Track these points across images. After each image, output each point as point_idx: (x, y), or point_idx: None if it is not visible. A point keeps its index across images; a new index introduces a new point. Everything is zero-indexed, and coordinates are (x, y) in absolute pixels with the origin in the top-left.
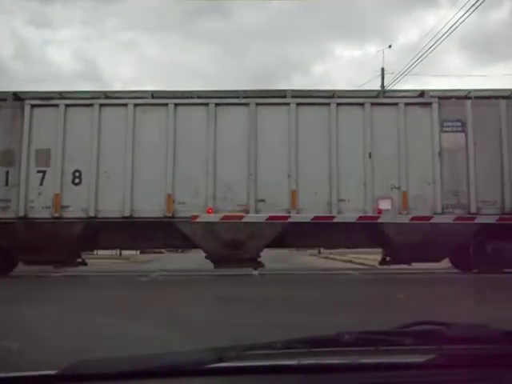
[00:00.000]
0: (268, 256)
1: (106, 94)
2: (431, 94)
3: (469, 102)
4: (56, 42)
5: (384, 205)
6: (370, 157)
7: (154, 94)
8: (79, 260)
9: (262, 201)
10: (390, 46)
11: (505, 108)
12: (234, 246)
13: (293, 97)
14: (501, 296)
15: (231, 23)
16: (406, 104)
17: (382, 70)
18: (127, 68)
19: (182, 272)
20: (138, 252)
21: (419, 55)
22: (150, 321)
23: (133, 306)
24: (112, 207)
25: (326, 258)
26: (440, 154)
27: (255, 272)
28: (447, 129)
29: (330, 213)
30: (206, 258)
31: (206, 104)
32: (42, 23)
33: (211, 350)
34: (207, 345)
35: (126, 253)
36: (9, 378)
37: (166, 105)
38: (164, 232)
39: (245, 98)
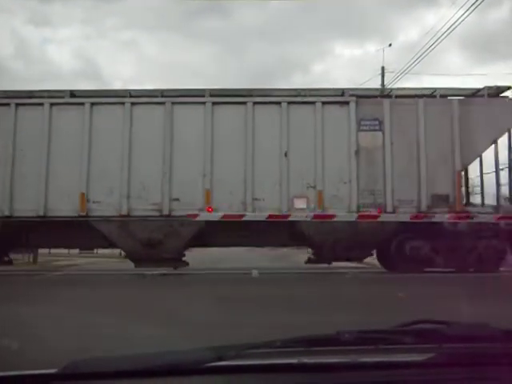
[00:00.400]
0: (269, 255)
1: (23, 94)
2: (351, 92)
3: (387, 101)
4: (56, 41)
5: (299, 204)
6: (285, 156)
7: (72, 93)
8: (6, 259)
9: (177, 200)
10: (390, 45)
11: (423, 107)
12: (150, 245)
13: (211, 95)
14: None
15: (231, 23)
16: (324, 103)
17: (382, 68)
18: (127, 67)
19: (182, 271)
20: None
21: (419, 54)
22: (150, 320)
23: (132, 305)
24: (27, 206)
25: None
26: (357, 152)
27: (255, 271)
28: (364, 128)
29: (244, 212)
30: (126, 257)
31: (122, 103)
32: (42, 22)
33: (211, 349)
34: (207, 344)
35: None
36: (9, 376)
37: (83, 104)
38: (81, 231)
39: (162, 96)
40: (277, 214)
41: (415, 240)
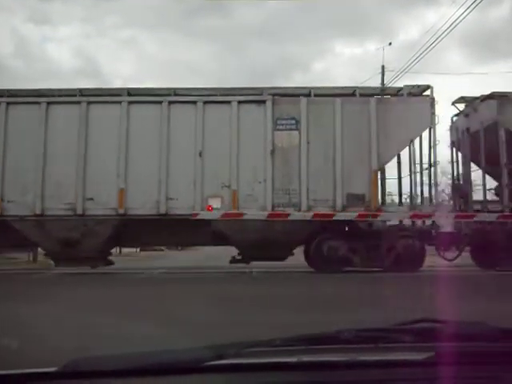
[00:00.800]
0: None
1: None
2: (270, 91)
3: (304, 99)
4: (56, 40)
5: (213, 203)
6: (200, 156)
7: None
8: None
9: (91, 199)
10: (390, 44)
11: (340, 106)
12: (68, 244)
13: (129, 95)
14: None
15: (231, 21)
16: (240, 102)
17: (382, 67)
18: (127, 65)
19: (181, 269)
20: (139, 249)
21: (420, 53)
22: (150, 319)
23: (132, 304)
24: None
25: None
26: (272, 152)
27: (254, 269)
28: (281, 127)
29: (157, 211)
30: (45, 255)
31: (38, 103)
32: (42, 20)
33: (211, 348)
34: (207, 342)
35: (125, 250)
36: (9, 375)
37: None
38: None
39: (81, 96)
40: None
41: (333, 240)
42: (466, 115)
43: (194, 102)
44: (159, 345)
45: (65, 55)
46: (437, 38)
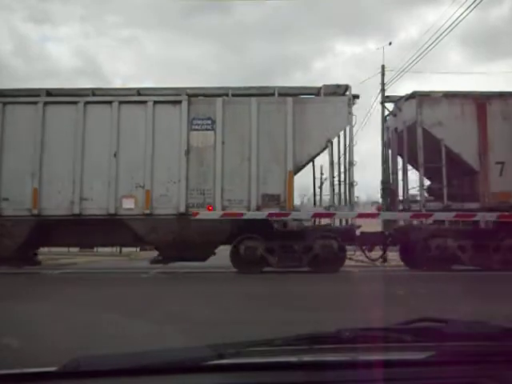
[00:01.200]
0: None
1: None
2: (188, 92)
3: (220, 100)
4: (56, 39)
5: (127, 203)
6: (115, 156)
7: None
8: None
9: (6, 199)
10: (390, 44)
11: (256, 106)
12: None
13: (48, 95)
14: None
15: (231, 20)
16: (156, 102)
17: (382, 67)
18: (127, 64)
19: (181, 269)
20: (139, 249)
21: (420, 52)
22: (150, 318)
23: (133, 304)
24: None
25: None
26: (187, 152)
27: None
28: (196, 127)
29: (71, 211)
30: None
31: None
32: (42, 19)
33: (211, 347)
34: (207, 342)
35: (126, 250)
36: (9, 374)
37: None
38: None
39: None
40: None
41: (251, 240)
42: (394, 115)
43: (110, 102)
44: (159, 343)
45: (64, 54)
46: (437, 38)
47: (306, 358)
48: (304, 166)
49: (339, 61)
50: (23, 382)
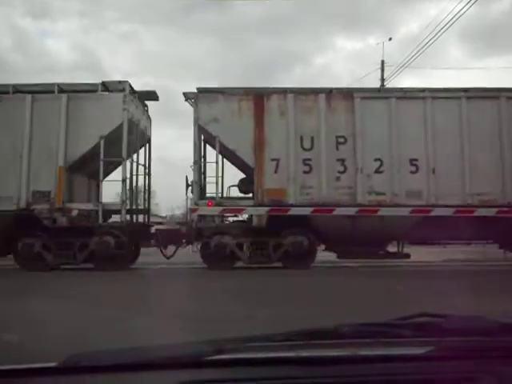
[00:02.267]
0: None
1: None
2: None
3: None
4: (55, 33)
5: None
6: None
7: None
8: None
9: None
10: (390, 39)
11: (30, 103)
12: None
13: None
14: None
15: (231, 15)
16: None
17: (382, 62)
18: (126, 60)
19: (182, 265)
20: None
21: (420, 47)
22: (150, 313)
23: (133, 299)
24: None
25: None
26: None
27: None
28: None
29: None
30: None
31: None
32: (41, 14)
33: (211, 342)
34: (207, 337)
35: None
36: (9, 370)
37: None
38: None
39: None
40: None
41: (28, 237)
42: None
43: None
44: (159, 338)
45: (64, 49)
46: (437, 33)
47: (305, 354)
48: (78, 162)
49: (340, 56)
50: (23, 377)
